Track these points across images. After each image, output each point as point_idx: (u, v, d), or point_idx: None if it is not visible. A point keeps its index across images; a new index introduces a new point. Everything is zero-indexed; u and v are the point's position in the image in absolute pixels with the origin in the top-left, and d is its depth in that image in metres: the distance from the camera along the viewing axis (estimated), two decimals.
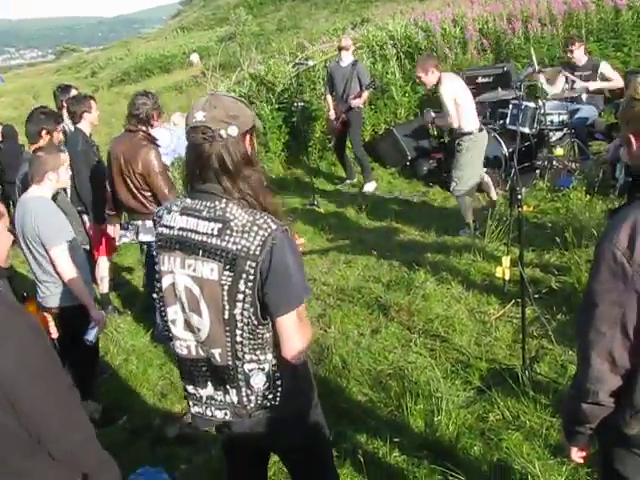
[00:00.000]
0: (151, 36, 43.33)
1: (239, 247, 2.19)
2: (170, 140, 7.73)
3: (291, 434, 2.48)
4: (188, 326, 2.35)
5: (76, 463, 2.13)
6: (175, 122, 8.79)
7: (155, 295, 2.47)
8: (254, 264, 2.18)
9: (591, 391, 2.05)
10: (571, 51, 8.16)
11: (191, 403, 2.50)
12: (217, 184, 2.27)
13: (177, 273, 2.31)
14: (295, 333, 2.30)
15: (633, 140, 2.04)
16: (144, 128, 5.32)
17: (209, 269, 2.23)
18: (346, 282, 6.19)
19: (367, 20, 17.66)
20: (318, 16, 25.56)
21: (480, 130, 6.72)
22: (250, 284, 2.19)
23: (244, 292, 2.20)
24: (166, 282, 2.35)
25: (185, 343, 2.38)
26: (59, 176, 4.33)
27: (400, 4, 17.49)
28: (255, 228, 2.20)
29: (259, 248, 2.18)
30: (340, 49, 9.27)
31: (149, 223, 5.34)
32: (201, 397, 2.44)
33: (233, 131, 2.24)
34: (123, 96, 20.01)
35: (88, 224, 5.91)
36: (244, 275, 2.19)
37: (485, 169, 8.11)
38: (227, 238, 2.20)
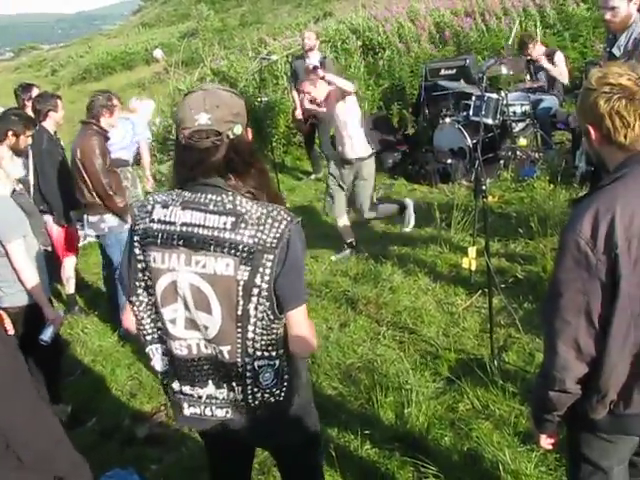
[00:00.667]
0: (112, 33, 42.85)
1: (255, 240, 2.11)
2: (125, 131, 7.37)
3: (288, 430, 2.45)
4: (192, 324, 2.24)
5: (48, 467, 2.09)
6: (131, 108, 8.37)
7: (134, 298, 2.32)
8: (271, 257, 2.11)
9: (558, 379, 2.08)
10: (528, 52, 8.26)
11: (185, 405, 2.39)
12: (220, 179, 2.18)
13: (180, 271, 2.18)
14: (307, 327, 2.27)
15: (591, 130, 2.06)
16: (94, 121, 5.41)
17: (224, 264, 2.12)
18: (313, 276, 6.18)
19: (330, 14, 17.65)
20: (281, 10, 25.48)
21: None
22: (267, 278, 2.13)
23: (260, 286, 2.13)
24: (164, 281, 2.21)
25: (186, 342, 2.27)
26: (4, 170, 4.25)
27: None
28: (270, 220, 2.13)
29: (275, 241, 2.11)
30: (307, 51, 8.96)
31: (91, 218, 5.48)
32: (200, 397, 2.35)
33: (238, 129, 2.16)
34: (85, 94, 19.71)
35: (49, 224, 5.82)
36: (261, 269, 2.12)
37: (450, 160, 8.19)
38: (242, 231, 2.11)
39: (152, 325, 2.34)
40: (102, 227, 5.46)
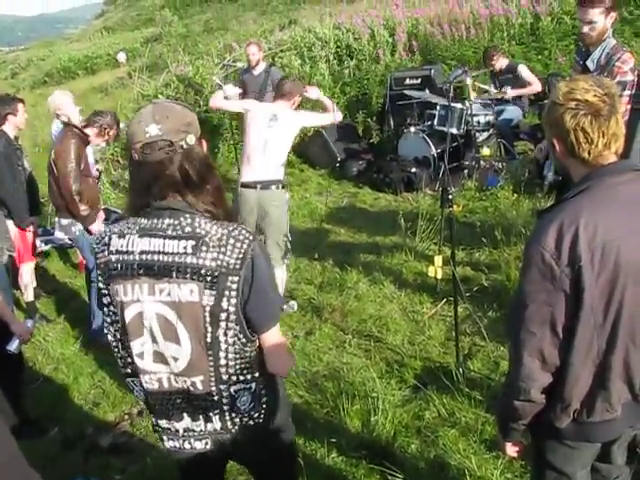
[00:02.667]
0: (74, 36, 42.25)
1: (218, 263, 2.04)
2: None
3: (268, 448, 2.41)
4: (160, 358, 2.15)
5: None
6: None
7: (107, 330, 2.26)
8: (236, 278, 2.05)
9: (522, 389, 2.10)
10: (493, 61, 8.45)
11: (165, 437, 2.34)
12: (177, 199, 2.10)
13: (145, 301, 2.10)
14: (282, 347, 2.25)
15: (556, 143, 2.10)
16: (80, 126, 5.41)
17: (188, 291, 2.05)
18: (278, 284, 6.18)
19: (295, 22, 17.65)
20: (246, 17, 25.34)
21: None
22: (233, 300, 2.06)
23: (227, 310, 2.07)
24: (130, 313, 2.13)
25: (156, 376, 2.19)
26: None
27: (327, 6, 17.52)
28: (232, 241, 2.06)
29: (239, 262, 2.05)
30: (254, 66, 8.75)
31: (63, 221, 5.43)
32: (177, 431, 2.29)
33: (192, 139, 2.10)
34: (46, 98, 19.47)
35: (12, 229, 5.71)
36: (227, 292, 2.05)
37: (414, 169, 8.25)
38: (204, 255, 2.04)
39: (124, 361, 2.27)
40: (73, 230, 5.41)
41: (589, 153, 2.03)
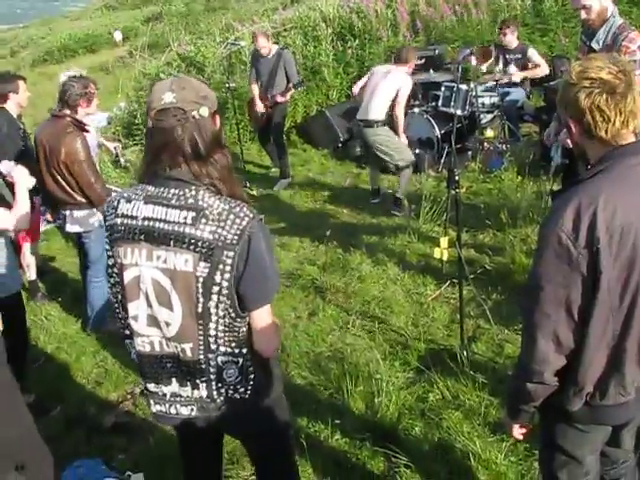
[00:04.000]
0: (74, 14, 41.97)
1: (216, 236, 2.08)
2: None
3: (257, 424, 2.45)
4: (153, 321, 2.23)
5: (14, 452, 2.06)
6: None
7: (110, 291, 2.35)
8: (231, 254, 2.09)
9: (536, 371, 2.08)
10: (504, 34, 8.36)
11: (152, 402, 2.40)
12: (184, 170, 2.15)
13: (143, 266, 2.18)
14: (271, 326, 2.27)
15: (572, 124, 2.07)
16: (68, 112, 5.02)
17: (183, 260, 2.11)
18: (281, 265, 6.14)
19: (297, 1, 17.52)
20: None
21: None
22: (227, 275, 2.11)
23: (220, 284, 2.12)
24: (129, 276, 2.21)
25: (148, 339, 2.27)
26: None
27: None
28: (232, 217, 2.11)
29: (236, 237, 2.09)
30: (265, 55, 8.49)
31: (77, 213, 5.13)
32: (164, 395, 2.35)
33: (205, 112, 2.15)
34: (47, 77, 19.39)
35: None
36: (221, 266, 2.10)
37: (418, 150, 8.20)
38: (202, 227, 2.09)
39: (123, 322, 2.35)
40: (91, 222, 5.17)
41: (606, 132, 1.99)
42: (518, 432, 2.39)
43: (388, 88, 6.94)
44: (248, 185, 8.66)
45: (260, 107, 8.62)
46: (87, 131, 5.14)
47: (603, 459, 2.48)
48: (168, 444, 3.67)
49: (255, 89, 8.70)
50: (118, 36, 24.03)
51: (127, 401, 4.48)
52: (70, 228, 5.18)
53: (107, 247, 2.28)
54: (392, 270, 5.68)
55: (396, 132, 7.11)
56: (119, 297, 2.30)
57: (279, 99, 8.40)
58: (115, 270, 2.27)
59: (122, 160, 8.18)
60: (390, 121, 7.11)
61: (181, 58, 12.22)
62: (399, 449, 3.48)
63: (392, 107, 6.98)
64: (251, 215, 2.13)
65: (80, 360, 5.03)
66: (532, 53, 8.36)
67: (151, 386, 2.37)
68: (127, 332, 2.34)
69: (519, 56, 8.34)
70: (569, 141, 3.85)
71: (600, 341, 2.01)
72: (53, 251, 7.46)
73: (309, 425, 3.89)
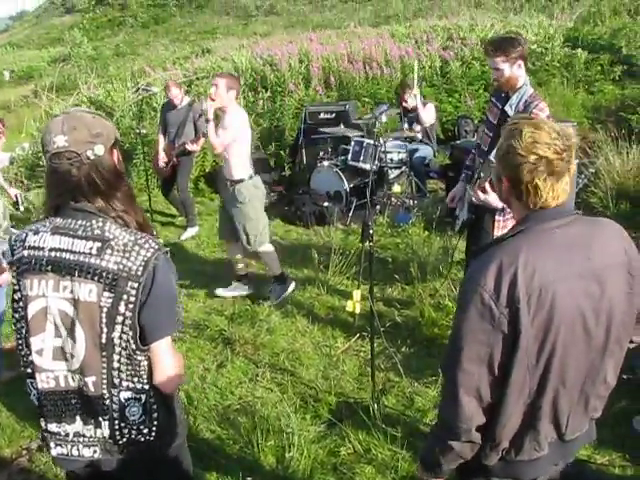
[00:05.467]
0: None
1: (120, 267, 2.10)
2: None
3: (162, 472, 2.38)
4: (60, 354, 2.19)
5: None
6: None
7: (14, 327, 2.29)
8: (136, 285, 2.10)
9: (464, 430, 2.08)
10: (404, 100, 8.86)
11: (52, 444, 2.33)
12: (90, 203, 2.17)
13: (50, 296, 2.16)
14: (170, 360, 2.25)
15: (505, 181, 2.12)
16: None
17: (87, 290, 2.11)
18: (188, 314, 6.04)
19: (209, 51, 17.65)
20: (156, 44, 25.22)
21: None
22: (131, 306, 2.11)
23: (124, 314, 2.12)
24: (34, 308, 2.18)
25: (53, 374, 2.22)
26: None
27: (241, 38, 17.64)
28: (137, 248, 2.13)
29: (141, 268, 2.11)
30: (176, 105, 8.42)
31: None
32: (67, 435, 2.29)
33: (100, 150, 2.15)
34: None
35: None
36: (125, 296, 2.10)
37: (327, 203, 8.29)
38: (107, 257, 2.11)
39: (26, 359, 2.28)
40: None
41: (535, 204, 2.07)
42: None
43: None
44: (155, 233, 8.47)
45: (161, 159, 8.48)
46: None
47: None
48: None
49: (161, 141, 8.59)
50: (7, 76, 23.73)
51: (22, 457, 4.22)
52: None
53: (14, 281, 2.25)
54: (301, 322, 5.67)
55: None
56: (23, 332, 2.25)
57: (189, 147, 8.30)
58: (21, 304, 2.23)
59: (22, 207, 7.89)
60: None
61: (90, 101, 12.02)
62: None
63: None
64: (156, 247, 2.17)
65: None
66: (428, 106, 8.88)
67: (52, 426, 2.30)
68: (29, 371, 2.28)
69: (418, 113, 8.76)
70: (480, 195, 4.01)
71: (518, 398, 2.05)
72: None
73: None
